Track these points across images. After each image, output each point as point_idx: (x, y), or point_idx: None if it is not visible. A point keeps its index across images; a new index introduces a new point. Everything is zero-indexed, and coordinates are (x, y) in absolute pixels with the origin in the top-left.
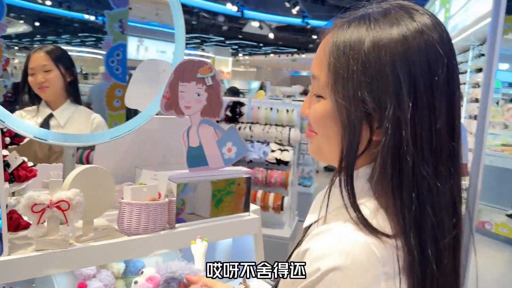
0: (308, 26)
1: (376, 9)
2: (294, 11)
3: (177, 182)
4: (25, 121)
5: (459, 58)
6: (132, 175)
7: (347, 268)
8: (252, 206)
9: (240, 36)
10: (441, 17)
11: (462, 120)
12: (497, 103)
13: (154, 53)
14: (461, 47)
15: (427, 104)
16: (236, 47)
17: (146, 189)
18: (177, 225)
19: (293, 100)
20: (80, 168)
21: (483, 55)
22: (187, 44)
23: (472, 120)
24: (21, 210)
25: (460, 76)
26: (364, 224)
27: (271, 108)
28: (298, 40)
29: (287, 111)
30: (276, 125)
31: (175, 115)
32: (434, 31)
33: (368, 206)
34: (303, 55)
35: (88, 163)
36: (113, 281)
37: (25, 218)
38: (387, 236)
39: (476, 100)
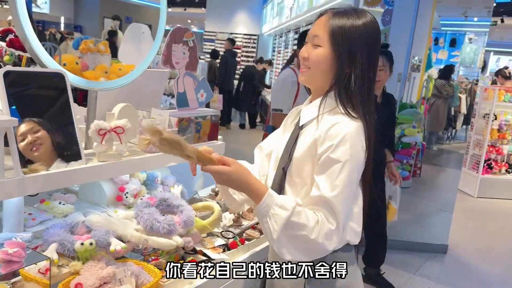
0: None
1: (349, 9)
2: None
3: (177, 117)
4: None
5: None
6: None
7: (355, 130)
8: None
9: None
10: None
11: None
12: None
13: None
14: None
15: (372, 58)
16: None
17: (158, 122)
18: None
19: None
20: (120, 105)
21: None
22: None
23: None
24: (90, 133)
25: None
26: (351, 117)
27: None
28: None
29: None
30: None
31: (169, 69)
32: (375, 21)
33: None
34: (169, 9)
35: (81, 103)
36: (140, 186)
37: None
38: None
39: None
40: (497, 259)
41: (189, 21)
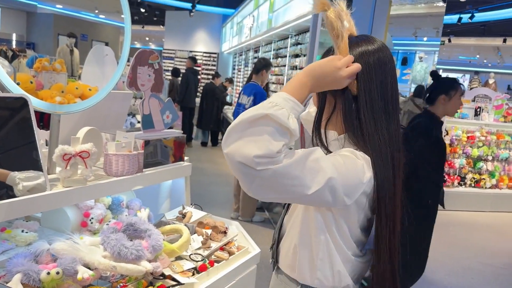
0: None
1: (358, 37)
2: None
3: (142, 139)
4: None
5: (279, 44)
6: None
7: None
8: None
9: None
10: (265, 7)
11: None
12: None
13: None
14: (281, 35)
15: (388, 82)
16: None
17: (124, 145)
18: (144, 169)
19: None
20: (85, 129)
21: (299, 43)
22: None
23: None
24: (54, 158)
25: (280, 59)
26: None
27: None
28: None
29: None
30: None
31: (134, 91)
32: (386, 47)
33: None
34: None
35: (45, 125)
36: (106, 210)
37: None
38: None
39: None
40: (452, 270)
41: (147, 38)
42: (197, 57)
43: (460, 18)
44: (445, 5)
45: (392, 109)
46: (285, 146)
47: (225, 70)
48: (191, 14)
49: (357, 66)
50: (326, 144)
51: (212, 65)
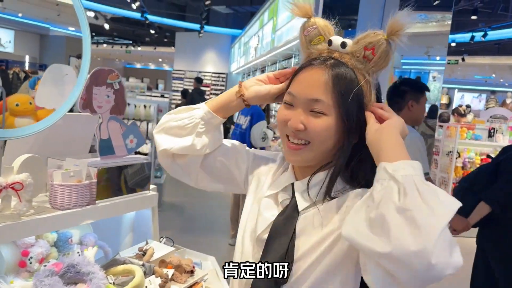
0: (147, 21)
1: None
2: (134, 6)
3: (96, 167)
4: None
5: (284, 64)
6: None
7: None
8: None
9: None
10: (269, 27)
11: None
12: None
13: None
14: (285, 55)
15: None
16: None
17: (73, 173)
18: (97, 201)
19: (144, 95)
20: (24, 156)
21: None
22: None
23: None
24: None
25: None
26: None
27: (129, 104)
28: (134, 32)
29: (145, 106)
30: (134, 119)
31: (90, 113)
32: None
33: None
34: (139, 48)
35: None
36: (49, 248)
37: None
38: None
39: None
40: None
41: (160, 59)
42: (205, 77)
43: (472, 37)
44: (449, 23)
45: None
46: None
47: None
48: (200, 35)
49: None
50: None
51: (221, 85)
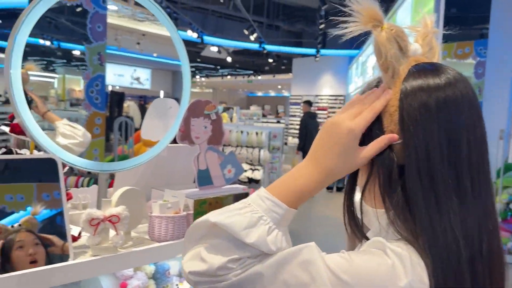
0: (265, 51)
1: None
2: (252, 37)
3: (193, 198)
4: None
5: None
6: (148, 194)
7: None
8: None
9: (198, 60)
10: None
11: None
12: None
13: (112, 76)
14: None
15: (462, 139)
16: (193, 69)
17: (170, 205)
18: None
19: (260, 122)
20: (122, 189)
21: None
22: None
23: None
24: (81, 224)
25: None
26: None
27: (242, 131)
28: (254, 62)
29: (257, 133)
30: (246, 146)
31: (188, 144)
32: (462, 81)
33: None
34: (259, 77)
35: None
36: (147, 280)
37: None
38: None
39: None
40: None
41: (279, 86)
42: (322, 101)
43: None
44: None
45: (470, 185)
46: (240, 260)
47: None
48: (316, 59)
49: (387, 139)
50: (360, 224)
51: (338, 107)
